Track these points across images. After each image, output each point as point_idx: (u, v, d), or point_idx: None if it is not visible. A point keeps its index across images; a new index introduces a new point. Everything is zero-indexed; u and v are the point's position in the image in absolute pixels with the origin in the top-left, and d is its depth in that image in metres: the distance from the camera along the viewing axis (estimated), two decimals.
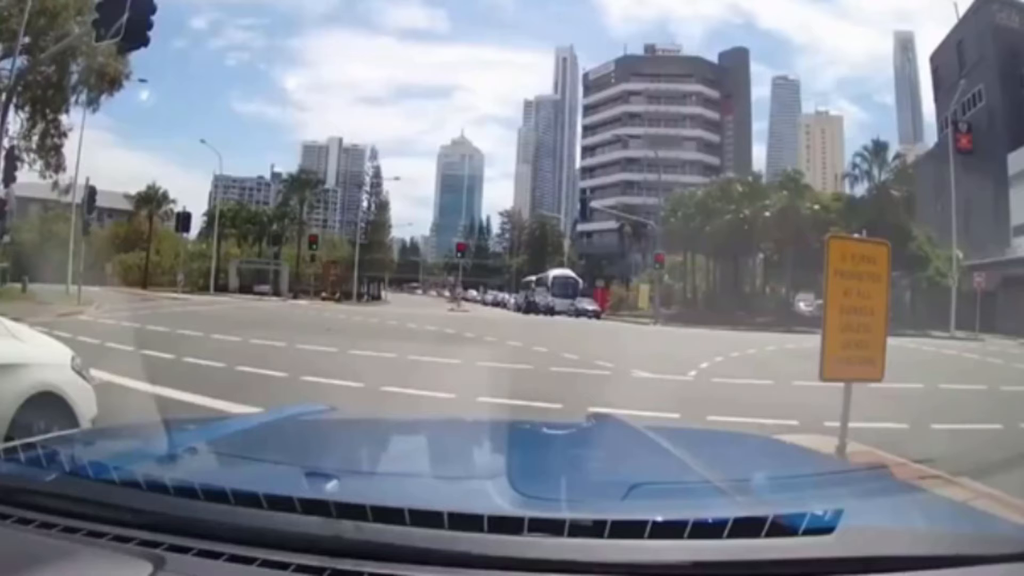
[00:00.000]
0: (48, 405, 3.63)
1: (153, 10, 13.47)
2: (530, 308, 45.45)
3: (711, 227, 43.96)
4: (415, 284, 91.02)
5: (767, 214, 42.17)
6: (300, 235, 56.12)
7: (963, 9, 47.06)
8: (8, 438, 3.12)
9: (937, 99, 51.15)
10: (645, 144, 69.43)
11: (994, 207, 39.05)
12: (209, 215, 58.52)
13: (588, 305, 42.28)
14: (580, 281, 49.52)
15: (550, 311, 41.12)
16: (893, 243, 5.75)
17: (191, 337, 13.73)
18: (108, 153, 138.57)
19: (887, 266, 5.14)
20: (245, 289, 46.49)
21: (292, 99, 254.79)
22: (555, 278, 48.30)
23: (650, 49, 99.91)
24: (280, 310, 30.72)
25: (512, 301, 53.42)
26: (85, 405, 3.82)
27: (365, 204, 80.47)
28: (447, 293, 69.11)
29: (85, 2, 21.77)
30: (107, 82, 26.29)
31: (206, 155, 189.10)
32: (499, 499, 1.27)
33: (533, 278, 54.67)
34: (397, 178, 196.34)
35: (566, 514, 1.19)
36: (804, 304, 43.03)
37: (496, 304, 56.40)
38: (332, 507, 1.16)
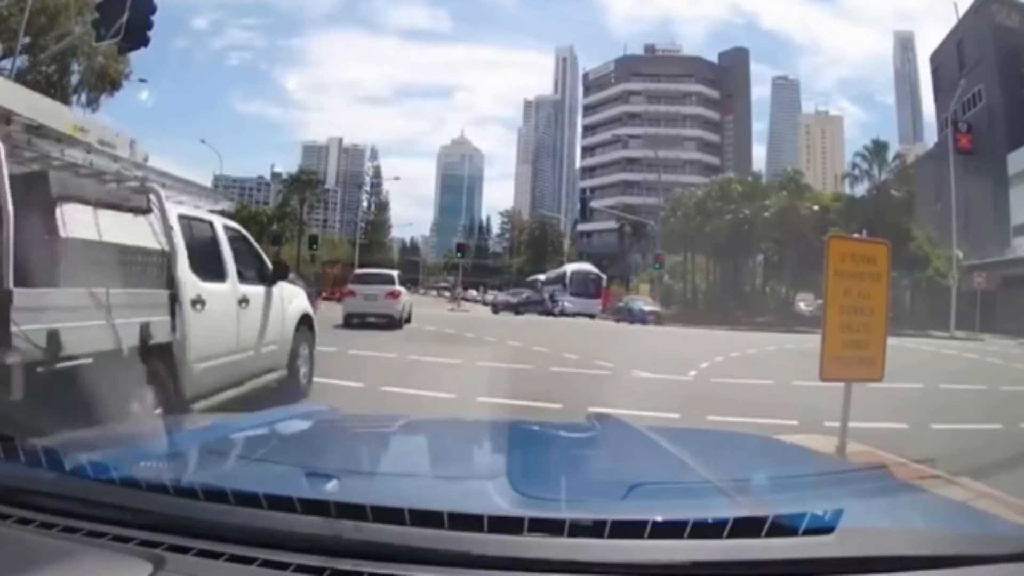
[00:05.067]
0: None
1: (153, 10, 13.51)
2: (527, 307, 39.79)
3: (711, 227, 43.99)
4: (437, 284, 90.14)
5: (767, 214, 42.23)
6: (300, 235, 56.11)
7: (963, 9, 47.18)
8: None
9: (937, 99, 51.20)
10: (645, 144, 69.42)
11: (994, 207, 39.07)
12: None
13: (646, 306, 34.07)
14: (603, 277, 42.39)
15: (550, 311, 36.71)
16: (893, 243, 5.75)
17: None
18: None
19: (887, 266, 5.13)
20: None
21: (292, 99, 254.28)
22: (573, 274, 41.38)
23: (650, 49, 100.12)
24: None
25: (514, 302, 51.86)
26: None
27: (365, 204, 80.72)
28: (447, 293, 68.98)
29: (85, 2, 21.78)
30: (107, 83, 26.28)
31: (206, 155, 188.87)
32: (499, 499, 1.27)
33: (541, 276, 48.96)
34: (397, 178, 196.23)
35: (566, 514, 1.19)
36: (804, 304, 42.98)
37: None
38: (332, 507, 1.17)
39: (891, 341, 5.26)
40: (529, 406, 7.44)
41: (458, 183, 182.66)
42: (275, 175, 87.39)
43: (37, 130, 4.27)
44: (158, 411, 4.42)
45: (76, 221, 4.04)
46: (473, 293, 67.92)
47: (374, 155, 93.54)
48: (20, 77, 21.94)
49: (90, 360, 3.84)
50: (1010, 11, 44.36)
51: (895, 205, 39.89)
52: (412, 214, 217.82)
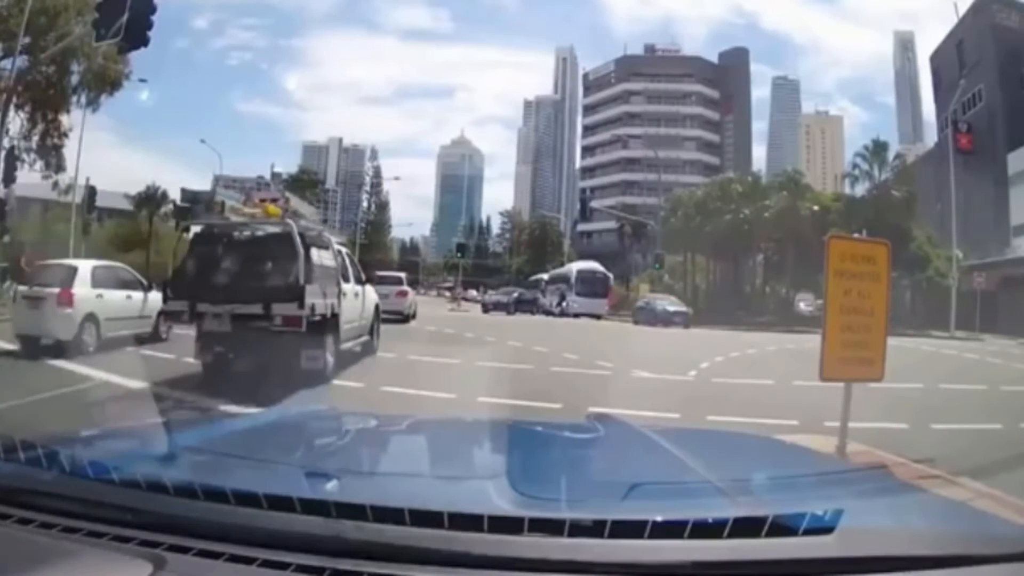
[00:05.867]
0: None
1: (153, 10, 13.51)
2: (519, 306, 38.82)
3: (711, 227, 43.91)
4: (438, 284, 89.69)
5: (767, 214, 42.16)
6: None
7: (963, 9, 47.22)
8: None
9: (937, 99, 51.26)
10: (645, 144, 69.33)
11: (994, 207, 39.08)
12: None
13: (671, 306, 31.06)
14: (610, 276, 40.42)
15: (550, 311, 36.67)
16: (893, 243, 5.75)
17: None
18: (108, 153, 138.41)
19: (887, 266, 5.13)
20: None
21: (293, 99, 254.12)
22: (580, 272, 39.46)
23: (650, 49, 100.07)
24: None
25: (505, 301, 51.03)
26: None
27: (365, 204, 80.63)
28: (447, 293, 68.91)
29: (85, 2, 21.76)
30: (107, 83, 26.25)
31: (207, 155, 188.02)
32: (499, 499, 1.27)
33: (544, 276, 47.57)
34: (397, 178, 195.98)
35: (566, 514, 1.19)
36: (804, 304, 42.89)
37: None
38: (332, 507, 1.17)
39: (891, 341, 5.25)
40: (529, 406, 7.43)
41: (458, 183, 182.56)
42: (275, 175, 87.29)
43: (295, 213, 10.41)
44: (331, 339, 8.95)
45: (313, 254, 8.82)
46: (473, 293, 67.80)
47: (374, 155, 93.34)
48: (20, 77, 21.97)
49: (319, 318, 8.53)
50: (1010, 11, 44.37)
51: (895, 205, 39.81)
52: (412, 214, 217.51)
